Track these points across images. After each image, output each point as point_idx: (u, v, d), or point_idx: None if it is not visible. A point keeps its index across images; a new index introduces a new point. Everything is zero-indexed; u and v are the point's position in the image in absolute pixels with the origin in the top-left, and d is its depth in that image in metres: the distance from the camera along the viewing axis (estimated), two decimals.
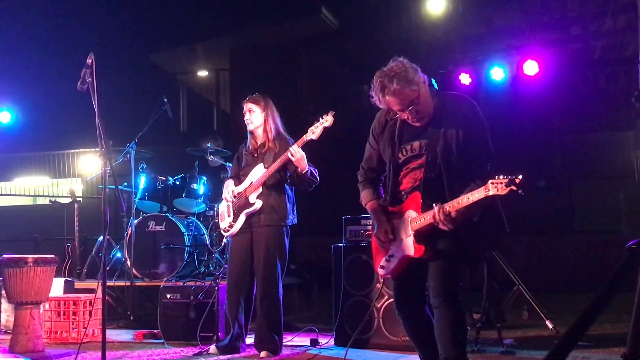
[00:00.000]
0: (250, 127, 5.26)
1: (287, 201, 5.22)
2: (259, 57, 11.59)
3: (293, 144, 5.05)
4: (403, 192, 3.64)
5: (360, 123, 3.88)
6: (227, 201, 5.29)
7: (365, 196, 3.82)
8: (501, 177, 3.08)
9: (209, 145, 7.05)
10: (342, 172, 4.93)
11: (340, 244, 5.68)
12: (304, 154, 4.97)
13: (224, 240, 6.04)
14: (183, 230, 6.95)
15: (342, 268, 5.58)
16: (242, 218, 5.18)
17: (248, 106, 5.26)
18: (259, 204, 5.13)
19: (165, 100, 7.13)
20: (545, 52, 8.30)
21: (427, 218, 3.41)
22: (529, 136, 9.75)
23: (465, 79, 8.36)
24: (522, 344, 5.39)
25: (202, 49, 11.82)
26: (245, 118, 5.26)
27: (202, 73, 12.59)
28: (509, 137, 9.26)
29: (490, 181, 3.12)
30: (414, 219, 3.50)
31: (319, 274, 8.34)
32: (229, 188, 5.31)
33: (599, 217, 9.83)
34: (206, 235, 7.14)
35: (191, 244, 6.95)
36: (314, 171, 5.13)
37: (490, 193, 3.10)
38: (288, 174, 5.19)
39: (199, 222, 7.24)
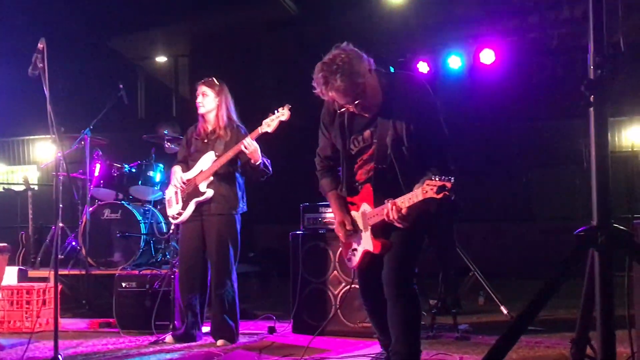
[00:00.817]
0: (201, 111, 5.19)
1: (237, 190, 5.20)
2: (219, 43, 11.48)
3: (246, 135, 5.01)
4: (358, 183, 3.60)
5: (321, 110, 3.82)
6: (176, 188, 5.23)
7: (323, 185, 3.77)
8: (436, 178, 3.03)
9: (165, 132, 6.97)
10: (302, 159, 4.91)
11: (298, 232, 5.68)
12: (257, 146, 4.94)
13: (172, 226, 6.02)
14: (139, 218, 6.89)
15: (299, 256, 5.58)
16: (191, 206, 5.14)
17: (202, 89, 5.18)
18: (209, 193, 5.09)
19: (121, 86, 7.04)
20: (503, 41, 8.38)
21: (380, 214, 3.36)
22: (486, 124, 9.86)
23: (423, 67, 8.39)
24: (477, 329, 5.46)
25: (161, 35, 11.67)
26: (197, 101, 5.19)
27: (161, 59, 12.45)
28: (467, 125, 9.35)
29: (426, 182, 3.06)
30: (369, 213, 3.46)
31: (278, 261, 8.35)
32: (177, 175, 5.24)
33: (556, 205, 10.00)
34: (163, 223, 7.11)
35: (147, 232, 6.91)
36: (266, 162, 5.11)
37: (428, 195, 3.05)
38: (239, 163, 5.17)
39: (155, 210, 7.19)
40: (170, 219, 5.35)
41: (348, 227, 3.56)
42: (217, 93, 5.18)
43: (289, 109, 4.84)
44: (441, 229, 3.86)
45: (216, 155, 5.11)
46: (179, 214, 5.19)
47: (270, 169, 5.16)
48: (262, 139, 5.03)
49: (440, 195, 3.00)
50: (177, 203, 5.23)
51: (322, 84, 3.26)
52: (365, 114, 3.43)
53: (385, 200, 3.30)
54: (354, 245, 3.61)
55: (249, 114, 5.43)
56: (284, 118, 4.83)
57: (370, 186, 3.45)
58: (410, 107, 3.37)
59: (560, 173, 9.98)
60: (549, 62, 9.89)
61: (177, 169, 5.29)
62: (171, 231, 6.37)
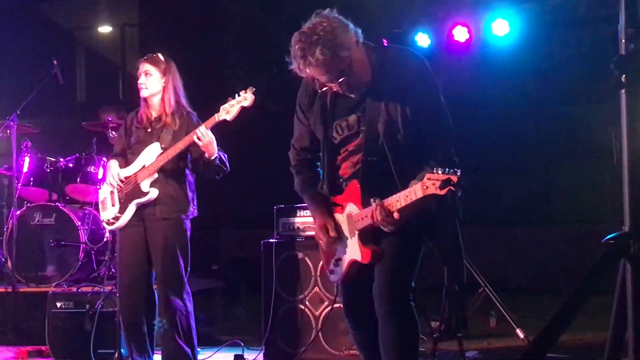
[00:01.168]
0: (144, 94, 5.15)
1: (187, 189, 5.19)
2: (175, 10, 11.42)
3: (200, 124, 5.00)
4: (342, 179, 3.59)
5: (298, 91, 3.80)
6: (112, 187, 5.20)
7: (300, 183, 3.74)
8: (439, 172, 3.03)
9: (110, 118, 6.93)
10: (274, 152, 4.91)
11: (271, 240, 5.67)
12: (213, 137, 4.91)
13: (106, 234, 5.98)
14: (78, 223, 6.85)
15: (273, 268, 5.57)
16: (131, 209, 5.09)
17: (144, 67, 5.14)
18: (154, 193, 5.06)
19: (55, 62, 6.95)
20: (518, 9, 8.40)
21: (369, 216, 3.35)
22: (497, 110, 9.88)
23: (423, 39, 8.38)
24: (489, 357, 5.48)
25: None
26: (139, 81, 5.14)
27: (105, 29, 12.38)
28: (474, 110, 9.38)
29: (426, 176, 3.06)
30: (356, 215, 3.45)
31: (247, 275, 8.33)
32: (113, 170, 5.18)
33: (580, 206, 10.03)
34: (106, 230, 7.03)
35: (88, 240, 6.84)
36: (223, 157, 5.09)
37: (429, 192, 3.04)
38: (189, 158, 5.15)
39: (97, 214, 7.07)
40: (105, 224, 5.32)
41: (331, 233, 3.53)
42: (163, 72, 5.13)
43: (253, 92, 4.81)
44: (445, 233, 3.82)
45: (162, 148, 5.07)
46: (116, 218, 5.15)
47: (228, 165, 5.15)
48: (222, 129, 5.00)
49: (444, 191, 2.99)
50: (113, 205, 5.19)
51: (300, 57, 3.25)
52: (351, 94, 3.43)
53: (372, 200, 3.30)
54: (338, 255, 3.59)
55: (212, 98, 5.41)
56: (246, 103, 4.79)
57: (357, 183, 3.44)
58: (406, 87, 3.36)
59: (585, 168, 10.01)
60: (573, 36, 9.93)
61: (112, 164, 5.24)
62: (106, 239, 6.33)
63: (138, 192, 5.08)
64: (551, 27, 9.65)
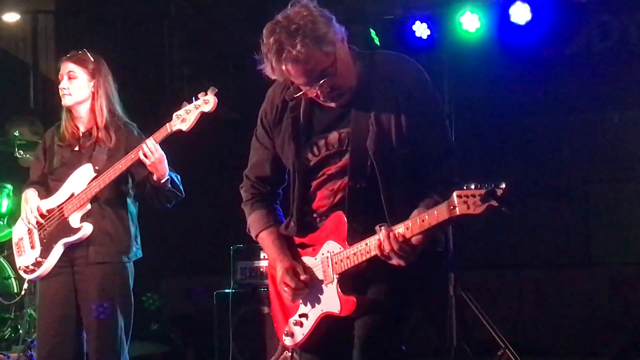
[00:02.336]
0: (67, 102, 5.08)
1: (129, 224, 5.12)
2: None
3: (143, 137, 5.01)
4: (316, 214, 3.57)
5: (263, 99, 3.79)
6: (29, 224, 5.13)
7: (255, 222, 3.73)
8: (472, 186, 2.98)
9: (16, 133, 6.92)
10: (230, 174, 4.88)
11: (226, 290, 5.69)
12: (163, 154, 4.88)
13: (24, 285, 5.93)
14: None
15: (230, 326, 5.61)
16: (57, 251, 5.01)
17: (67, 67, 5.10)
18: (87, 229, 4.98)
19: None
20: None
21: (363, 251, 3.31)
22: (518, 117, 9.93)
23: (421, 29, 8.44)
24: None
25: None
26: (60, 86, 5.08)
27: (11, 17, 12.35)
28: (490, 117, 9.43)
29: (455, 193, 3.00)
30: (337, 255, 3.42)
31: (195, 336, 8.33)
32: (32, 202, 5.11)
33: (627, 239, 10.07)
34: (12, 279, 7.05)
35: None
36: (175, 179, 5.05)
37: (458, 212, 2.99)
38: (130, 182, 5.11)
39: (1, 259, 7.18)
40: (22, 272, 5.21)
41: (302, 277, 3.54)
42: (92, 74, 5.10)
43: (215, 95, 4.79)
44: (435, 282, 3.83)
45: (95, 171, 5.00)
46: (37, 264, 5.07)
47: (182, 189, 5.13)
48: (169, 143, 5.00)
49: (482, 210, 2.98)
50: (33, 248, 5.12)
51: (275, 51, 3.24)
52: (332, 102, 3.42)
53: (378, 227, 3.28)
54: (303, 310, 3.57)
55: (150, 105, 5.42)
56: (207, 108, 4.75)
57: (342, 215, 3.45)
58: (401, 96, 3.38)
59: (632, 190, 10.10)
60: (614, 23, 10.02)
61: (30, 194, 5.16)
62: (23, 292, 6.30)
63: (66, 229, 5.01)
64: (586, 11, 9.70)
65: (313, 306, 3.51)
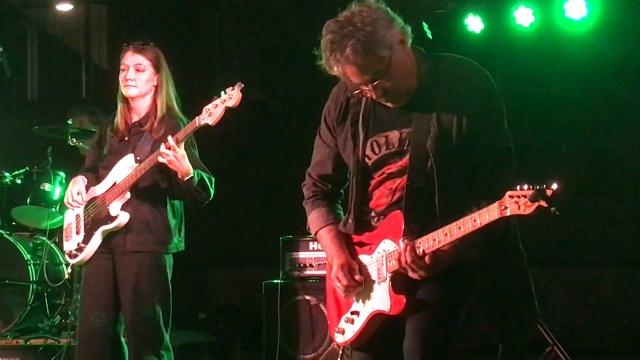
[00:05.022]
0: (132, 93, 5.10)
1: (169, 215, 5.11)
2: None
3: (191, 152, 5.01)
4: (374, 213, 3.57)
5: (317, 93, 3.78)
6: (72, 208, 5.18)
7: (315, 220, 3.74)
8: (525, 187, 2.98)
9: (69, 122, 6.98)
10: (279, 166, 4.91)
11: (275, 280, 5.71)
12: (183, 152, 4.84)
13: (68, 269, 5.94)
14: (26, 257, 6.91)
15: (278, 317, 5.61)
16: (97, 238, 5.05)
17: (136, 59, 5.10)
18: (123, 217, 4.99)
19: (0, 49, 7.00)
20: None
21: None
22: (574, 115, 9.83)
23: (474, 23, 8.39)
24: None
25: None
26: (126, 76, 5.08)
27: (64, 7, 12.40)
28: (543, 115, 9.35)
29: (507, 193, 3.02)
30: (391, 253, 3.41)
31: (243, 326, 8.35)
32: (75, 187, 5.16)
33: None
34: (64, 265, 7.05)
35: (40, 279, 6.88)
36: (206, 180, 5.01)
37: (509, 213, 2.99)
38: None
39: (53, 245, 7.15)
40: (67, 257, 5.27)
41: (357, 277, 3.56)
42: (157, 68, 5.13)
43: (241, 90, 4.66)
44: (501, 280, 3.76)
45: (136, 161, 5.03)
46: (79, 249, 5.11)
47: (211, 189, 5.06)
48: (206, 137, 5.02)
49: (532, 210, 2.96)
50: (78, 233, 5.17)
51: (329, 51, 3.28)
52: (388, 102, 3.44)
53: (401, 240, 3.28)
54: (355, 307, 3.58)
55: (200, 97, 5.42)
56: (231, 103, 4.70)
57: (400, 213, 3.45)
58: (464, 99, 3.39)
59: None
60: None
61: (78, 180, 5.21)
62: (68, 275, 6.37)
63: (106, 217, 5.05)
64: None
65: (365, 304, 3.51)
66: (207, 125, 4.72)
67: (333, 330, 3.65)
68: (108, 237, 5.04)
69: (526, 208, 2.97)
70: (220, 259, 9.37)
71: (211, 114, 4.72)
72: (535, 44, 8.52)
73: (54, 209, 7.13)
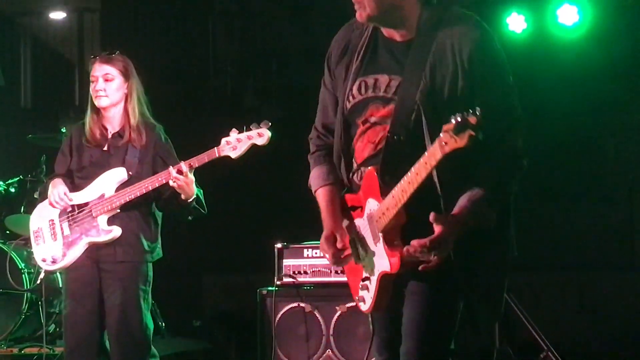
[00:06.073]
0: (103, 103, 5.12)
1: (153, 226, 5.20)
2: None
3: (168, 144, 5.11)
4: (356, 167, 3.46)
5: (312, 98, 3.75)
6: (57, 207, 5.12)
7: (315, 177, 3.62)
8: (452, 120, 2.86)
9: (63, 130, 6.98)
10: (273, 171, 4.90)
11: (270, 288, 5.70)
12: (193, 178, 4.91)
13: (41, 275, 6.00)
14: (21, 265, 6.90)
15: (272, 325, 5.59)
16: (80, 247, 5.06)
17: (104, 69, 5.12)
18: (117, 232, 5.02)
19: None
20: None
21: (392, 202, 3.17)
22: (566, 118, 9.81)
23: (517, 22, 8.45)
24: None
25: None
26: (96, 87, 5.11)
27: (57, 15, 12.43)
28: (535, 118, 9.33)
29: (443, 127, 2.90)
30: (377, 211, 3.30)
31: (237, 333, 8.34)
32: (61, 188, 5.10)
33: None
34: (58, 273, 7.06)
35: (34, 287, 6.87)
36: (199, 196, 5.07)
37: (448, 149, 2.89)
38: (158, 195, 5.12)
39: None
40: (41, 262, 5.23)
41: (338, 244, 3.46)
42: (126, 75, 5.16)
43: (268, 127, 4.76)
44: (490, 274, 3.63)
45: (129, 175, 5.09)
46: (58, 256, 5.12)
47: (204, 205, 5.14)
48: (199, 142, 5.00)
49: (465, 141, 2.83)
50: (55, 239, 5.16)
51: None
52: (392, 35, 3.38)
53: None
54: (364, 273, 3.47)
55: (194, 100, 5.42)
56: (261, 142, 4.80)
57: (372, 171, 3.37)
58: (460, 52, 3.25)
59: None
60: None
61: (59, 181, 5.17)
62: (39, 281, 6.31)
63: (94, 228, 5.07)
64: (634, 10, 9.63)
65: (372, 267, 3.38)
66: (227, 158, 4.81)
67: (355, 297, 3.57)
68: (92, 247, 5.06)
69: (459, 140, 2.87)
70: (214, 265, 9.37)
71: (235, 147, 4.80)
72: (528, 50, 8.56)
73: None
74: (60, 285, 6.88)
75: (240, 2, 11.52)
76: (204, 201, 5.10)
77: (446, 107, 3.16)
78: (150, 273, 5.17)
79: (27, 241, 6.28)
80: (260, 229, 6.84)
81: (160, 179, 4.91)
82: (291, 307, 5.63)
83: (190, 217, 5.14)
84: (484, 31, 3.29)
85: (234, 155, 4.82)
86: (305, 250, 5.68)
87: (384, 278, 3.34)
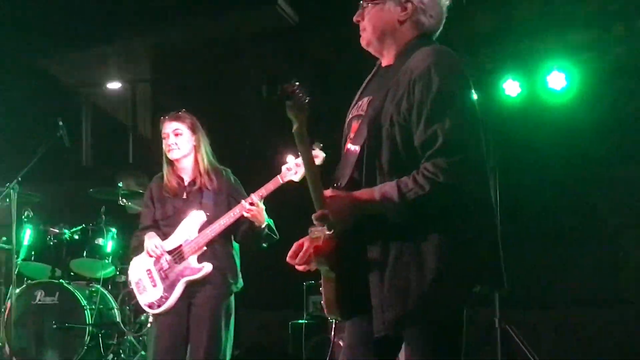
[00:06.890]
0: (175, 155, 5.27)
1: (236, 258, 5.28)
2: (190, 63, 11.59)
3: (237, 184, 5.22)
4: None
5: (329, 142, 3.82)
6: (154, 256, 5.19)
7: None
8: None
9: (120, 184, 7.12)
10: (306, 213, 4.95)
11: (300, 321, 5.88)
12: (263, 206, 5.04)
13: (142, 316, 5.92)
14: (84, 303, 6.99)
15: (303, 355, 5.73)
16: (179, 287, 5.14)
17: (172, 126, 5.28)
18: (208, 267, 5.11)
19: (61, 123, 7.10)
20: (576, 60, 8.54)
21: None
22: (557, 172, 9.80)
23: (512, 87, 8.56)
24: None
25: (113, 53, 11.78)
26: (168, 142, 5.26)
27: (114, 85, 12.49)
28: (529, 173, 9.41)
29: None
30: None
31: None
32: (156, 240, 5.21)
33: None
34: (115, 310, 7.25)
35: (95, 322, 6.97)
36: (270, 224, 5.17)
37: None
38: (237, 227, 5.22)
39: (105, 292, 7.31)
40: (147, 308, 5.27)
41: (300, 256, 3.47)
42: (193, 129, 5.30)
43: (320, 149, 4.70)
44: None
45: (207, 216, 5.18)
46: (162, 299, 5.15)
47: (276, 232, 5.23)
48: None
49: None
50: (155, 286, 5.20)
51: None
52: (383, 61, 3.31)
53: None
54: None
55: (233, 160, 5.56)
56: (317, 163, 4.63)
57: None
58: (413, 73, 3.01)
59: None
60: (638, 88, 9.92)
61: (153, 234, 5.26)
62: (150, 324, 6.31)
63: (187, 268, 5.13)
64: (615, 77, 9.66)
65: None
66: (290, 182, 4.91)
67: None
68: (189, 285, 5.13)
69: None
70: (251, 301, 9.38)
71: (296, 172, 4.87)
72: (522, 112, 8.65)
73: (106, 261, 7.25)
74: (117, 320, 6.99)
75: (270, 76, 11.59)
76: (274, 228, 5.19)
77: (391, 132, 3.00)
78: (233, 302, 5.23)
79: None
80: (291, 268, 6.91)
81: (235, 212, 5.02)
82: (320, 338, 5.75)
83: (264, 244, 5.19)
84: (437, 59, 3.02)
85: (296, 178, 4.88)
86: None
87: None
